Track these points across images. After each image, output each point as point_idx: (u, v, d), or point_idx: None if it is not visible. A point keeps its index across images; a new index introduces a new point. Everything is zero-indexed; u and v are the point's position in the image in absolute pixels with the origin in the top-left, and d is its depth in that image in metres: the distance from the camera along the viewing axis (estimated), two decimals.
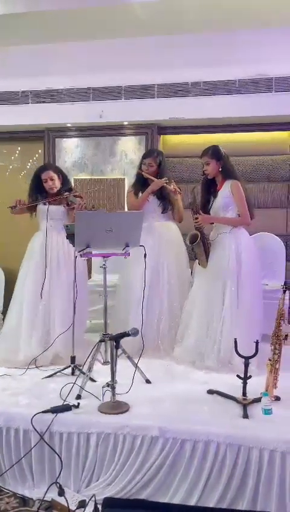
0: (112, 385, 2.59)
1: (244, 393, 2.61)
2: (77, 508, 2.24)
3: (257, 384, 2.67)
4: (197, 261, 3.55)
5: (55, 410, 2.51)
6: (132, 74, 4.69)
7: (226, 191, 3.45)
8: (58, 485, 2.31)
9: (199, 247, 3.43)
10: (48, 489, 2.37)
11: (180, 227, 3.88)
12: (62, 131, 5.09)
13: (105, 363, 2.99)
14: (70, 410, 2.55)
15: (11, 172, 5.46)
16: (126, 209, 4.58)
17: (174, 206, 3.80)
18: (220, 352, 3.26)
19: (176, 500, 2.28)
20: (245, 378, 2.60)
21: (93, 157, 5.10)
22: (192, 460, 2.30)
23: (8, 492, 2.45)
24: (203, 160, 3.51)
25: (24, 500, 2.39)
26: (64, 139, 5.15)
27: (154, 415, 2.49)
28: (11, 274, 4.54)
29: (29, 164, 5.39)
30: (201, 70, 4.56)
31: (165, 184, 3.68)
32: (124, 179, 4.99)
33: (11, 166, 5.47)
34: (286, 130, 4.78)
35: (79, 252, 2.97)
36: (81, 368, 3.07)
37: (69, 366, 3.17)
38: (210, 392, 2.82)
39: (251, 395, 2.61)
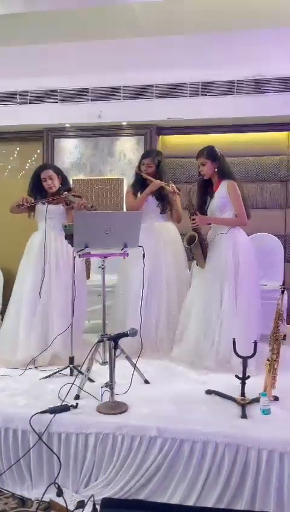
0: (110, 385, 2.59)
1: (242, 394, 2.61)
2: (76, 509, 2.23)
3: (255, 385, 2.68)
4: (195, 261, 3.56)
5: (54, 410, 2.50)
6: (131, 75, 4.70)
7: (222, 191, 3.46)
8: (56, 485, 2.31)
9: (196, 248, 3.44)
10: (46, 489, 2.36)
11: (178, 228, 3.89)
12: (61, 132, 5.09)
13: (103, 363, 2.98)
14: (69, 410, 2.55)
15: (9, 173, 5.46)
16: (124, 210, 4.58)
17: (173, 206, 3.80)
18: (218, 353, 3.26)
19: (175, 501, 2.28)
20: (243, 379, 2.60)
21: (92, 158, 5.10)
22: (190, 460, 2.30)
23: (7, 493, 2.44)
24: (198, 161, 3.53)
25: (23, 501, 2.39)
26: (63, 140, 5.15)
27: (153, 415, 2.49)
28: (9, 274, 4.53)
29: (27, 164, 5.39)
30: (200, 71, 4.56)
31: (163, 185, 3.68)
32: (122, 179, 4.99)
33: (9, 167, 5.46)
34: (284, 131, 4.79)
35: (77, 252, 2.97)
36: (79, 368, 3.07)
37: (68, 366, 3.16)
38: (208, 392, 2.82)
39: (249, 395, 2.61)
